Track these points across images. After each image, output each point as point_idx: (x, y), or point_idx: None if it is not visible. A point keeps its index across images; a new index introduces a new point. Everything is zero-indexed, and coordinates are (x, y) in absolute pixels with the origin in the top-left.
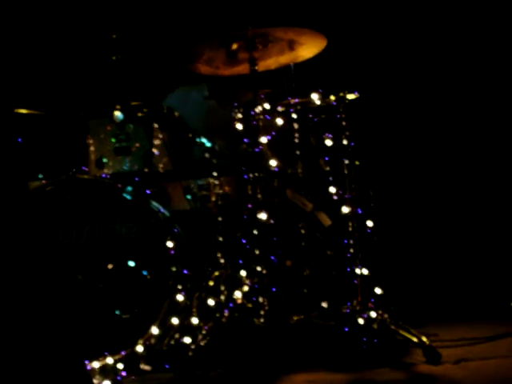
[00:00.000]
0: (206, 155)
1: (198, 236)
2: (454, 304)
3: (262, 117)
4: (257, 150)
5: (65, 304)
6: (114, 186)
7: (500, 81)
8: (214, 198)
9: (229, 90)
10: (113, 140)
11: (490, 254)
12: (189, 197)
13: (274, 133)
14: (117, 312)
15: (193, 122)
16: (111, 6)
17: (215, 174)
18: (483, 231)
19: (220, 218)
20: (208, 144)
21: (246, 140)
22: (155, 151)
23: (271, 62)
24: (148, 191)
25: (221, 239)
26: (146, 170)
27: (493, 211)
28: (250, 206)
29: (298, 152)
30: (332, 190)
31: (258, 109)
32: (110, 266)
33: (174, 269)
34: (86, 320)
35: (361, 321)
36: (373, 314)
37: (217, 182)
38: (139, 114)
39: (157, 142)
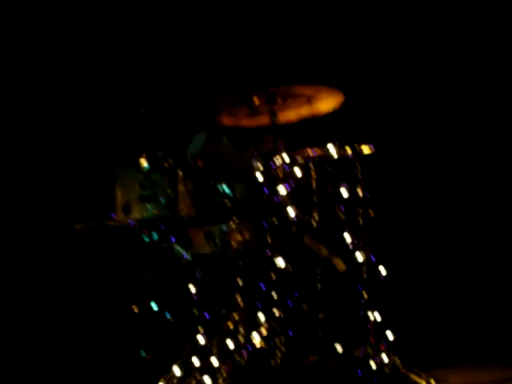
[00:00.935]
0: (227, 202)
1: (218, 279)
2: (463, 347)
3: (281, 167)
4: (276, 199)
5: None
6: (140, 232)
7: None
8: (234, 243)
9: (249, 139)
10: (139, 188)
11: (498, 299)
12: (210, 242)
13: (292, 183)
14: (141, 352)
15: (213, 165)
16: (140, 64)
17: (236, 220)
18: (491, 276)
19: (239, 263)
20: (229, 192)
21: (265, 190)
22: (179, 198)
23: (291, 114)
24: (172, 237)
25: (240, 283)
26: (171, 216)
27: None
28: (268, 252)
29: (315, 200)
30: (347, 237)
31: (278, 160)
32: (135, 309)
33: (195, 312)
34: (112, 359)
35: (373, 364)
36: (385, 358)
37: (237, 228)
38: (165, 164)
39: (181, 189)
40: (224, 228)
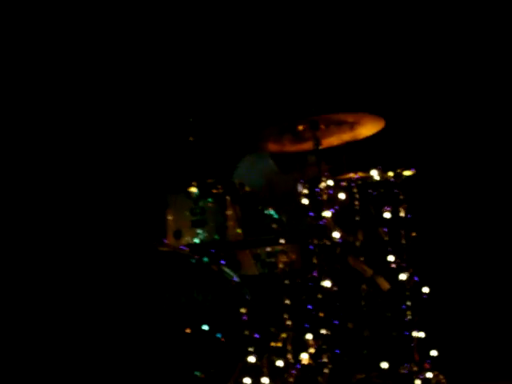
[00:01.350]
0: (274, 225)
1: (266, 299)
2: (505, 363)
3: (325, 191)
4: (321, 222)
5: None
6: (192, 257)
7: None
8: (280, 265)
9: (294, 164)
10: (189, 213)
11: None
12: (258, 263)
13: (336, 206)
14: (196, 373)
15: (258, 188)
16: (189, 94)
17: (282, 242)
18: None
19: (286, 283)
20: (276, 215)
21: (311, 214)
22: (228, 223)
23: (333, 139)
24: (222, 261)
25: (287, 303)
26: (220, 240)
27: None
28: (315, 273)
29: (358, 222)
30: (390, 258)
31: (322, 185)
32: (188, 330)
33: (246, 333)
34: (167, 379)
35: (418, 382)
36: (429, 375)
37: (283, 250)
38: (214, 191)
39: (229, 213)
40: (271, 250)
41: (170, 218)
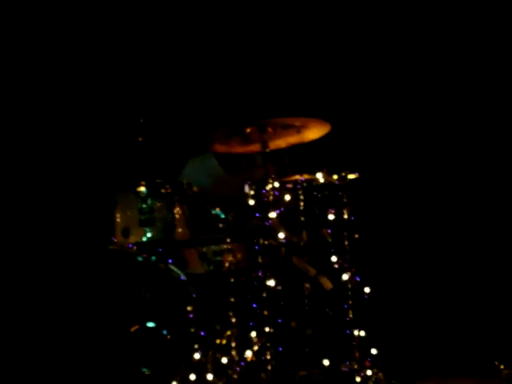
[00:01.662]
0: (220, 225)
1: (211, 297)
2: (442, 361)
3: (271, 193)
4: (267, 223)
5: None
6: (140, 255)
7: None
8: (226, 263)
9: (240, 164)
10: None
11: (475, 314)
12: (204, 262)
13: (282, 207)
14: (143, 369)
15: (205, 188)
16: (139, 96)
17: (228, 241)
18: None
19: (232, 281)
20: (222, 215)
21: (257, 214)
22: (175, 222)
23: (280, 142)
24: (170, 260)
25: (232, 301)
26: (167, 239)
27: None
28: (260, 272)
29: (303, 223)
30: (333, 258)
31: (269, 186)
32: (135, 327)
33: (192, 330)
34: (114, 376)
35: (358, 379)
36: (369, 373)
37: (229, 249)
38: (162, 190)
39: (177, 213)
40: (217, 249)
41: (118, 216)
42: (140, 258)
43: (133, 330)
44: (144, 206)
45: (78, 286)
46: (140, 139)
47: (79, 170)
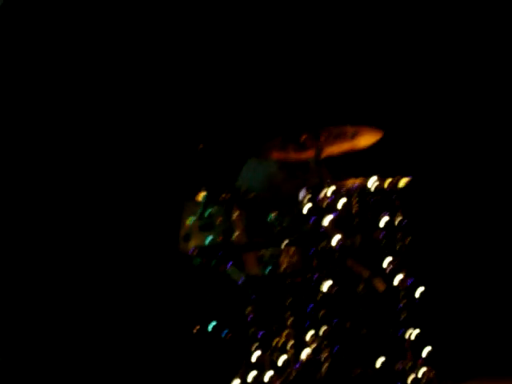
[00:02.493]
0: (277, 229)
1: (269, 299)
2: (496, 360)
3: (326, 198)
4: (321, 229)
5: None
6: (200, 259)
7: None
8: (283, 266)
9: (296, 171)
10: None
11: None
12: (261, 265)
13: (336, 212)
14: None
15: (261, 191)
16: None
17: (284, 244)
18: None
19: (288, 283)
20: (278, 219)
21: (312, 220)
22: (234, 226)
23: (334, 149)
24: (229, 263)
25: (289, 302)
26: (226, 243)
27: None
28: (315, 275)
29: (356, 226)
30: (387, 260)
31: (323, 192)
32: (196, 329)
33: (251, 330)
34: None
35: (411, 377)
36: (422, 371)
37: (286, 252)
38: (221, 197)
39: (235, 218)
40: (274, 252)
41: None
42: (198, 261)
43: (195, 330)
44: (204, 212)
45: (144, 288)
46: (200, 147)
47: (144, 179)
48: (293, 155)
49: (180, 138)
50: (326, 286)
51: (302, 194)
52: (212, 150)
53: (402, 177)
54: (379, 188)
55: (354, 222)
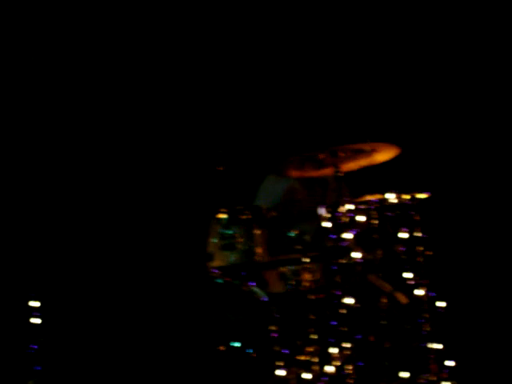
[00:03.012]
0: (298, 246)
1: (292, 316)
2: None
3: (346, 214)
4: (342, 244)
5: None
6: (223, 278)
7: None
8: (305, 282)
9: (315, 188)
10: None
11: None
12: (284, 282)
13: (356, 228)
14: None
15: (281, 208)
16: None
17: (306, 261)
18: None
19: (311, 300)
20: (299, 237)
21: (332, 236)
22: (255, 245)
23: (352, 165)
24: (251, 282)
25: (312, 318)
26: (248, 262)
27: None
28: (338, 290)
29: (377, 241)
30: (408, 275)
31: (343, 208)
32: (221, 348)
33: (275, 348)
34: None
35: None
36: None
37: (307, 268)
38: (242, 217)
39: (256, 237)
40: (296, 269)
41: (211, 241)
42: (220, 281)
43: (220, 349)
44: (225, 232)
45: (169, 308)
46: (220, 168)
47: (167, 200)
48: (311, 172)
49: (200, 157)
50: (348, 302)
51: (321, 210)
52: (231, 170)
53: (421, 192)
54: (399, 203)
55: (374, 237)
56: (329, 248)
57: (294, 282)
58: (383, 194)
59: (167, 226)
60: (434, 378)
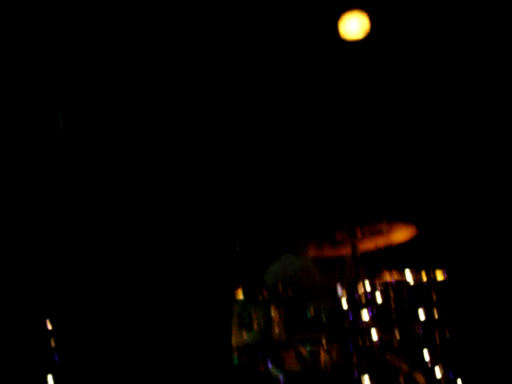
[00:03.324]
0: (315, 325)
1: None
2: None
3: (363, 294)
4: (360, 324)
5: None
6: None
7: None
8: (323, 362)
9: (332, 267)
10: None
11: None
12: (301, 361)
13: (374, 307)
14: None
15: (297, 287)
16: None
17: (323, 341)
18: None
19: (328, 379)
20: (316, 316)
21: (350, 316)
22: (272, 324)
23: (369, 244)
24: (269, 362)
25: None
26: (265, 342)
27: None
28: (355, 370)
29: (395, 321)
30: (426, 355)
31: (361, 289)
32: None
33: None
34: None
35: None
36: None
37: (324, 349)
38: (259, 296)
39: (273, 316)
40: (313, 348)
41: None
42: (236, 361)
43: None
44: (242, 311)
45: None
46: (237, 247)
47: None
48: (328, 252)
49: (218, 237)
50: (366, 381)
51: (339, 289)
52: (249, 249)
53: (439, 270)
54: (416, 282)
55: (391, 316)
56: (346, 327)
57: (310, 362)
58: (401, 273)
59: (186, 306)
60: None
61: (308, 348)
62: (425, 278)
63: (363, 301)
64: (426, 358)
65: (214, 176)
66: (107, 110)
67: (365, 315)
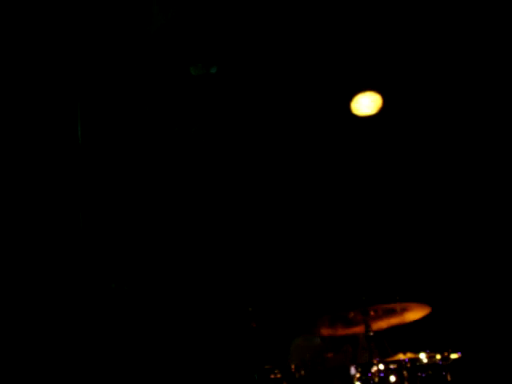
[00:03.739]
0: None
1: None
2: None
3: (377, 374)
4: None
5: None
6: None
7: None
8: None
9: (345, 346)
10: None
11: None
12: None
13: None
14: None
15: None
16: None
17: None
18: None
19: None
20: None
21: None
22: None
23: (383, 323)
24: None
25: None
26: None
27: None
28: None
29: None
30: None
31: (374, 369)
32: None
33: None
34: None
35: None
36: None
37: None
38: (272, 376)
39: None
40: None
41: None
42: None
43: None
44: None
45: None
46: (254, 325)
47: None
48: (341, 331)
49: (233, 317)
50: None
51: (352, 369)
52: (264, 329)
53: (452, 351)
54: (430, 362)
55: None
56: None
57: None
58: (415, 353)
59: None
60: None
61: None
62: (439, 357)
63: (376, 380)
64: None
65: (230, 253)
66: (124, 116)
67: None
